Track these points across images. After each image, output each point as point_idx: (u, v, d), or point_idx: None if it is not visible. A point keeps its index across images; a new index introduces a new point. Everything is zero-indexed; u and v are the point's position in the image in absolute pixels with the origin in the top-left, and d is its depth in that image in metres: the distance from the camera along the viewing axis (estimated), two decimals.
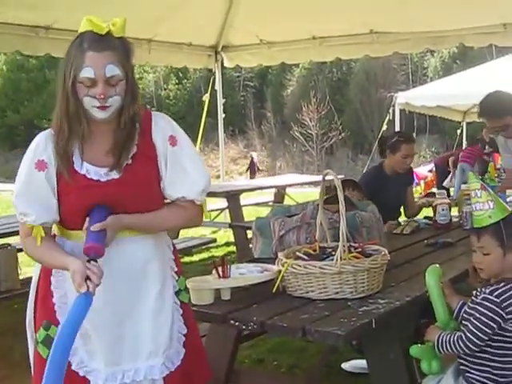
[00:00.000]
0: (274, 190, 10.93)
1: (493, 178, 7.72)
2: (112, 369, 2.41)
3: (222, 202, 9.63)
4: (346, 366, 4.57)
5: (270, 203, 10.45)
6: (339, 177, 5.23)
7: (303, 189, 16.41)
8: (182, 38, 8.70)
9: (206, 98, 10.02)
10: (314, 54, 9.22)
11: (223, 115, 10.48)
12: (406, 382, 2.88)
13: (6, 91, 34.54)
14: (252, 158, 27.31)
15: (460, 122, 16.58)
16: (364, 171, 5.55)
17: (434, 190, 10.16)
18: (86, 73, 2.25)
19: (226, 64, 9.87)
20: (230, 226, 8.39)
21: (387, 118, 13.73)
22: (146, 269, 2.45)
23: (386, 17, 7.73)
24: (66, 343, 2.16)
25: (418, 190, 15.17)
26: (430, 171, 16.68)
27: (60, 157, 2.35)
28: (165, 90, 37.98)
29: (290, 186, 10.70)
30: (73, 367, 2.39)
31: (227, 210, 9.10)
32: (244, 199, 9.68)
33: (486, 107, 4.68)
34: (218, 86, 10.15)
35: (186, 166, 2.49)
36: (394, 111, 13.61)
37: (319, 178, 13.78)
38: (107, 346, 2.42)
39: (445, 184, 13.28)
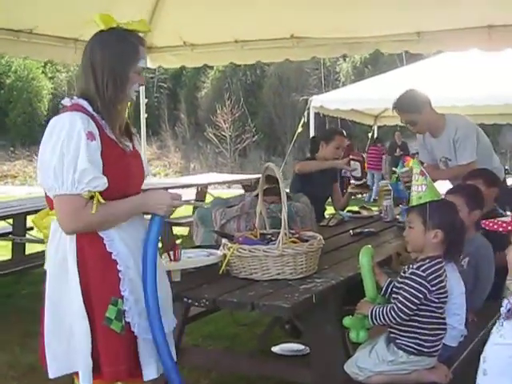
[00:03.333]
0: (194, 189, 11.14)
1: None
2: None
3: None
4: (275, 349, 4.88)
5: (192, 201, 10.66)
6: (256, 176, 5.57)
7: (222, 189, 16.69)
8: None
9: None
10: (236, 56, 9.46)
11: (145, 115, 10.63)
12: (342, 354, 3.20)
13: None
14: None
15: (371, 126, 17.15)
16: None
17: None
18: (142, 64, 2.78)
19: (148, 65, 10.01)
20: None
21: (302, 120, 14.03)
22: None
23: (306, 22, 8.05)
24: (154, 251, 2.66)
25: None
26: None
27: (102, 131, 2.62)
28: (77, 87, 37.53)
29: (212, 184, 10.93)
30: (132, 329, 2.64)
31: None
32: None
33: (399, 101, 5.14)
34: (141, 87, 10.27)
35: None
36: (308, 114, 13.96)
37: (239, 177, 14.11)
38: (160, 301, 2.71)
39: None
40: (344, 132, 5.88)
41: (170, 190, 2.86)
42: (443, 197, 3.08)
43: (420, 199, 2.95)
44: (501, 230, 2.23)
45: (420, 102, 5.13)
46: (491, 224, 2.25)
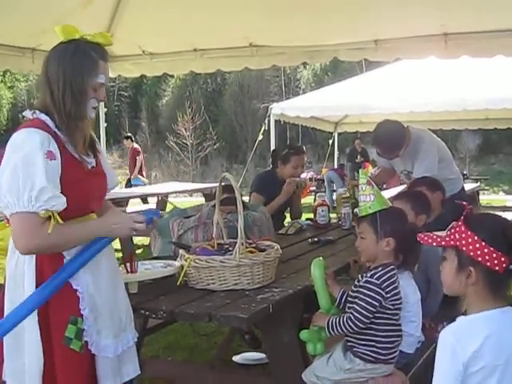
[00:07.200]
0: (155, 198, 11.10)
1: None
2: (116, 340, 2.68)
3: None
4: (236, 358, 4.88)
5: None
6: (216, 185, 5.54)
7: (184, 197, 16.63)
8: None
9: None
10: (195, 65, 9.44)
11: (105, 124, 10.57)
12: (301, 362, 3.20)
13: None
14: None
15: (332, 133, 17.23)
16: (256, 175, 5.91)
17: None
18: (101, 79, 2.61)
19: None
20: None
21: (263, 128, 14.02)
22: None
23: (264, 31, 8.08)
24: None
25: None
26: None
27: (64, 148, 2.54)
28: (37, 98, 37.27)
29: (172, 193, 10.90)
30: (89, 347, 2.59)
31: None
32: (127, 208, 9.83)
33: (381, 146, 5.21)
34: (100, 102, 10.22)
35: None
36: (269, 122, 13.96)
37: (200, 185, 14.06)
38: (114, 321, 2.69)
39: None
40: (302, 148, 5.90)
41: (132, 213, 2.76)
42: (390, 204, 3.09)
43: (369, 209, 2.96)
44: (434, 244, 2.20)
45: (402, 138, 5.16)
46: (426, 238, 2.22)
